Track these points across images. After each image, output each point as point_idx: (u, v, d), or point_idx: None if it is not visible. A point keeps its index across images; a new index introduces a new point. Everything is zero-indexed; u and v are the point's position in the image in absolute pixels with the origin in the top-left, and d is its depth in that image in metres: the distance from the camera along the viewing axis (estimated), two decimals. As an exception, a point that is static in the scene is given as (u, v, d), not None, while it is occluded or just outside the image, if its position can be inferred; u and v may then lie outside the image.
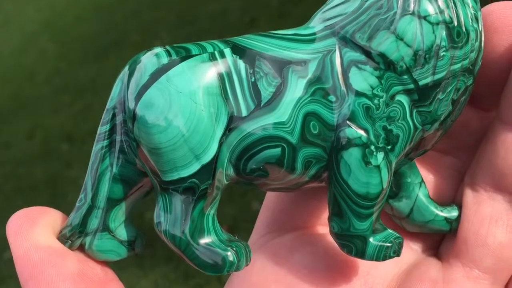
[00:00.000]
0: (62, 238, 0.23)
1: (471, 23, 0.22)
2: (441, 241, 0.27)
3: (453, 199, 0.27)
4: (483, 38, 0.22)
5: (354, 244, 0.23)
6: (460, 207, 0.26)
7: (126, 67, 0.22)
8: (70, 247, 0.23)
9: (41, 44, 2.78)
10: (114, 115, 0.22)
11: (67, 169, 1.71)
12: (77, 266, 0.22)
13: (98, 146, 0.23)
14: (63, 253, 0.22)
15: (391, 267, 0.25)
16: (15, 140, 2.04)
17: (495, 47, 0.23)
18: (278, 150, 0.22)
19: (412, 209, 0.26)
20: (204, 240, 0.22)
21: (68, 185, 1.62)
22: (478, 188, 0.25)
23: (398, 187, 0.26)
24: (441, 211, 0.26)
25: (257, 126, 0.21)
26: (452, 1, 0.21)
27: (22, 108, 2.25)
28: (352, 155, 0.22)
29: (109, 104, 0.22)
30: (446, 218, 0.25)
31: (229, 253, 0.22)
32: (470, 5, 0.22)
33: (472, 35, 0.22)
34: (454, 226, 0.25)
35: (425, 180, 0.26)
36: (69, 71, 2.35)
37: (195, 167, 0.21)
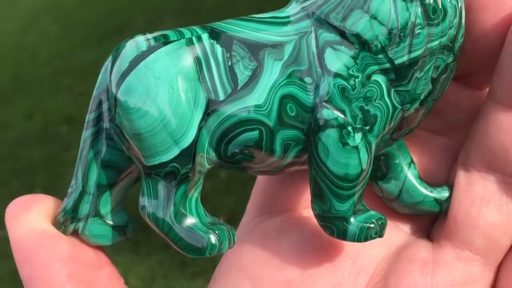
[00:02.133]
0: (57, 223, 0.24)
1: (449, 0, 0.21)
2: (433, 223, 0.26)
3: (446, 179, 0.26)
4: (463, 15, 0.22)
5: (335, 226, 0.23)
6: (452, 188, 0.25)
7: (110, 55, 0.22)
8: (64, 232, 0.24)
9: (43, 25, 2.76)
10: (100, 103, 0.23)
11: (66, 151, 1.70)
12: (70, 249, 0.23)
13: (86, 133, 0.23)
14: (56, 237, 0.23)
15: (380, 248, 0.26)
16: (14, 121, 2.03)
17: (484, 24, 0.22)
18: (256, 133, 0.22)
19: (401, 190, 0.26)
20: (187, 223, 0.22)
21: (66, 167, 1.62)
22: (470, 169, 0.24)
23: (386, 168, 0.26)
24: (431, 192, 0.26)
25: (234, 109, 0.21)
26: None
27: (22, 89, 2.23)
28: (329, 137, 0.22)
29: (95, 92, 0.23)
30: (436, 199, 0.25)
31: (211, 235, 0.22)
32: None
33: (450, 11, 0.21)
34: (444, 207, 0.25)
35: (417, 161, 0.26)
36: (71, 53, 2.34)
37: (174, 152, 0.21)
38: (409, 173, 0.26)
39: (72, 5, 2.83)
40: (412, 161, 0.26)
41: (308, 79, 0.22)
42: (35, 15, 2.91)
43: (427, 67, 0.22)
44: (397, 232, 0.26)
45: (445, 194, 0.25)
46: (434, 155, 0.27)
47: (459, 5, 0.22)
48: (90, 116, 0.23)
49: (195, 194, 0.23)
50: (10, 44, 2.74)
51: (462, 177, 0.25)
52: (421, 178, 0.26)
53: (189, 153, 0.21)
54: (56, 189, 1.57)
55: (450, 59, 0.22)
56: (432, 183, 0.26)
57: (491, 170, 0.24)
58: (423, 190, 0.25)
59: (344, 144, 0.22)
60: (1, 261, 1.30)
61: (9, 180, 1.69)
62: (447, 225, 0.25)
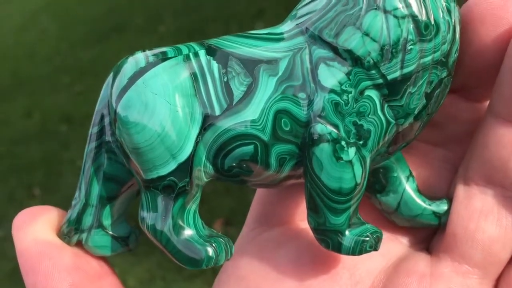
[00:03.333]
0: (61, 234, 0.24)
1: (441, 15, 0.22)
2: (433, 235, 0.26)
3: (446, 192, 0.26)
4: (457, 30, 0.22)
5: (330, 239, 0.23)
6: (451, 201, 0.25)
7: (112, 71, 0.23)
8: (68, 243, 0.24)
9: (42, 23, 2.76)
10: (102, 117, 0.23)
11: (64, 150, 1.70)
12: (73, 259, 0.24)
13: (89, 147, 0.24)
14: (60, 247, 0.24)
15: (378, 261, 0.25)
16: (13, 119, 2.03)
17: (482, 38, 0.22)
18: (251, 148, 0.22)
19: (400, 203, 0.26)
20: (184, 236, 0.23)
21: (64, 166, 1.62)
22: (469, 182, 0.24)
23: (385, 181, 0.26)
24: (429, 205, 0.26)
25: (230, 124, 0.22)
26: None
27: (20, 86, 2.23)
28: (323, 151, 0.22)
29: (98, 106, 0.24)
30: (434, 212, 0.25)
31: (208, 248, 0.22)
32: None
33: (443, 27, 0.22)
34: (443, 220, 0.25)
35: (417, 173, 0.26)
36: (70, 51, 2.33)
37: (172, 166, 0.22)
38: (408, 186, 0.26)
39: (71, 3, 2.83)
40: (411, 174, 0.26)
41: (302, 95, 0.22)
42: (34, 12, 2.90)
43: (420, 82, 0.22)
44: (396, 245, 0.26)
45: (443, 207, 0.25)
46: (433, 168, 0.27)
47: (453, 20, 0.22)
48: (92, 130, 0.24)
49: (193, 207, 0.23)
50: (9, 42, 2.74)
51: (461, 191, 0.25)
52: (420, 191, 0.26)
53: (186, 167, 0.22)
54: (54, 188, 1.57)
55: (444, 74, 0.22)
56: (431, 196, 0.26)
57: (491, 184, 0.24)
58: (422, 203, 0.26)
59: (338, 158, 0.22)
60: (-1, 261, 1.30)
61: (7, 178, 1.69)
62: (446, 238, 0.25)
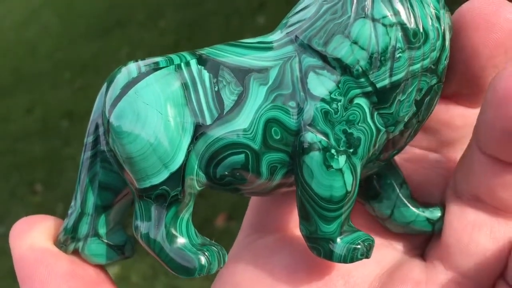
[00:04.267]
0: (58, 243, 0.25)
1: (430, 23, 0.22)
2: (427, 241, 0.26)
3: (440, 197, 0.26)
4: (447, 37, 0.22)
5: (322, 247, 0.23)
6: (445, 207, 0.25)
7: (106, 81, 0.23)
8: (65, 251, 0.25)
9: (43, 18, 2.76)
10: (97, 126, 0.24)
11: (66, 146, 1.70)
12: (69, 266, 0.24)
13: (84, 156, 0.24)
14: (56, 255, 0.24)
15: (373, 267, 0.25)
16: (14, 115, 2.03)
17: (475, 44, 0.22)
18: (242, 157, 0.22)
19: (393, 210, 0.26)
20: (177, 244, 0.23)
21: (66, 162, 1.62)
22: (461, 196, 0.24)
23: (378, 188, 0.26)
24: (423, 211, 0.25)
25: (220, 133, 0.22)
26: (408, 1, 0.22)
27: (22, 82, 2.23)
28: (313, 159, 0.22)
29: (92, 116, 0.24)
30: (428, 219, 0.25)
31: (200, 256, 0.22)
32: (431, 5, 0.22)
33: (432, 34, 0.22)
34: (437, 227, 0.25)
35: (411, 179, 0.26)
36: (71, 47, 2.33)
37: (164, 175, 0.22)
38: (401, 193, 0.26)
39: (72, -1, 2.83)
40: (404, 181, 0.26)
41: (292, 103, 0.22)
42: (35, 9, 2.90)
43: (410, 89, 0.22)
44: (390, 251, 0.26)
45: (437, 213, 0.25)
46: (426, 173, 0.26)
47: (442, 28, 0.22)
48: (88, 140, 0.24)
49: (186, 215, 0.23)
50: (10, 38, 2.74)
51: (453, 202, 0.25)
52: (413, 198, 0.26)
53: (178, 176, 0.22)
54: (55, 184, 1.57)
55: (434, 81, 0.22)
56: (425, 202, 0.26)
57: (480, 202, 0.24)
58: (415, 209, 0.26)
59: (328, 166, 0.22)
60: (0, 258, 1.30)
61: (9, 175, 1.69)
62: (440, 248, 0.24)
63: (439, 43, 0.22)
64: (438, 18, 0.22)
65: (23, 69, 2.34)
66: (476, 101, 0.24)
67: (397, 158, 0.26)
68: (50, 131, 1.83)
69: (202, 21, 1.99)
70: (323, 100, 0.22)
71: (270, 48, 0.23)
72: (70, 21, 2.59)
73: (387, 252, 0.26)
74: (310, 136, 0.22)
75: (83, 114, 1.77)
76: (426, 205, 0.26)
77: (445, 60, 0.22)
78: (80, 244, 0.24)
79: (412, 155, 0.26)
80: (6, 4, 3.16)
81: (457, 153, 0.26)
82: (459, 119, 0.25)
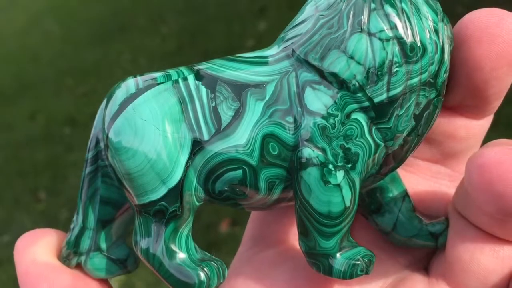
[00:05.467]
0: (61, 257, 0.25)
1: (428, 36, 0.21)
2: (431, 254, 0.26)
3: (444, 208, 0.26)
4: (446, 50, 0.22)
5: (321, 263, 0.23)
6: (448, 220, 0.25)
7: (106, 97, 0.23)
8: (68, 265, 0.25)
9: (45, 25, 2.76)
10: (97, 141, 0.24)
11: (69, 153, 1.70)
12: (72, 281, 0.24)
13: (85, 171, 0.24)
14: (58, 269, 0.24)
15: (375, 282, 0.25)
16: (17, 122, 2.03)
17: (478, 56, 0.22)
18: (239, 172, 0.22)
19: (396, 224, 0.25)
20: (176, 260, 0.23)
21: (69, 169, 1.62)
22: (462, 214, 0.24)
23: (380, 202, 0.26)
24: (426, 225, 0.25)
25: (218, 149, 0.22)
26: (405, 15, 0.21)
27: (25, 90, 2.24)
28: (311, 175, 0.22)
29: (93, 131, 0.24)
30: (431, 233, 0.25)
31: (199, 272, 0.22)
32: (429, 18, 0.22)
33: (430, 48, 0.21)
34: (441, 241, 0.25)
35: (415, 191, 0.26)
36: (74, 54, 2.34)
37: (162, 191, 0.22)
38: (403, 207, 0.25)
39: (74, 5, 2.84)
40: (406, 194, 0.26)
41: (289, 118, 0.22)
42: (37, 15, 2.91)
43: (408, 104, 0.22)
44: (393, 265, 0.26)
45: (440, 228, 0.25)
46: (430, 184, 0.26)
47: (441, 41, 0.22)
48: (88, 155, 0.24)
49: (185, 231, 0.23)
50: (12, 45, 2.74)
51: (455, 218, 0.24)
52: (416, 211, 0.26)
53: (176, 192, 0.22)
54: (59, 190, 1.57)
55: (433, 95, 0.22)
56: (429, 214, 0.26)
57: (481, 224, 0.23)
58: (418, 223, 0.25)
59: (326, 182, 0.22)
60: (2, 266, 1.30)
61: (13, 182, 1.69)
62: (444, 264, 0.24)
63: (437, 56, 0.22)
64: (436, 31, 0.22)
65: (26, 76, 2.35)
66: (480, 113, 0.24)
67: (400, 170, 0.25)
68: (53, 138, 1.83)
69: (203, 26, 2.00)
70: (320, 115, 0.22)
71: (267, 63, 0.23)
72: (72, 28, 2.60)
73: (389, 266, 0.26)
74: (308, 152, 0.22)
75: (86, 120, 1.77)
76: (430, 217, 0.26)
77: (444, 73, 0.22)
78: (83, 258, 0.25)
79: (415, 167, 0.26)
80: (8, 11, 3.17)
81: (460, 165, 0.25)
82: (462, 130, 0.25)
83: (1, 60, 2.64)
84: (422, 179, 0.26)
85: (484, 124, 0.25)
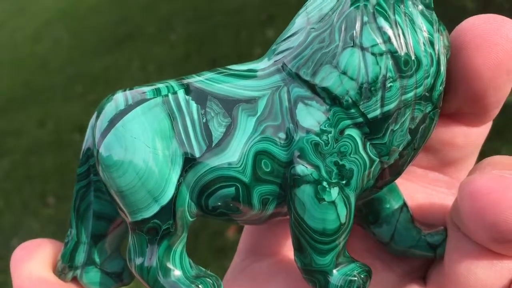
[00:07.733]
0: (57, 271, 0.25)
1: (423, 49, 0.21)
2: (428, 263, 0.26)
3: (442, 216, 0.26)
4: (442, 61, 0.21)
5: (317, 279, 0.23)
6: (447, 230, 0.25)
7: (95, 112, 0.23)
8: (64, 279, 0.25)
9: (55, 33, 2.78)
10: (88, 156, 0.24)
11: (77, 159, 1.70)
12: None
13: (77, 186, 0.24)
14: (53, 284, 0.24)
15: None
16: (26, 128, 2.04)
17: (476, 64, 0.21)
18: (232, 190, 0.22)
19: (393, 234, 0.25)
20: (171, 277, 0.22)
21: (78, 175, 1.62)
22: (459, 228, 0.23)
23: (378, 212, 0.25)
24: (424, 236, 0.25)
25: (209, 166, 0.22)
26: (399, 28, 0.21)
27: (34, 96, 2.25)
28: (305, 192, 0.21)
29: (84, 146, 0.24)
30: (429, 243, 0.25)
31: None
32: (424, 29, 0.21)
33: (425, 61, 0.21)
34: (439, 251, 0.25)
35: (413, 199, 0.26)
36: (83, 61, 2.35)
37: (155, 209, 0.22)
38: (401, 217, 0.25)
39: (83, 13, 2.85)
40: (404, 204, 0.25)
41: (281, 135, 0.22)
42: (47, 23, 2.93)
43: (403, 119, 0.21)
44: (389, 275, 0.26)
45: (439, 238, 0.25)
46: (428, 192, 0.26)
47: (436, 53, 0.21)
48: (79, 170, 0.24)
49: (179, 247, 0.23)
50: (22, 52, 2.76)
51: (452, 230, 0.24)
52: (414, 222, 0.25)
53: (169, 210, 0.22)
54: (67, 196, 1.57)
55: (429, 109, 0.22)
56: (428, 223, 0.25)
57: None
58: (416, 234, 0.25)
59: (320, 199, 0.21)
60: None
61: (22, 188, 1.70)
62: (441, 276, 0.24)
63: (433, 69, 0.21)
64: (431, 43, 0.21)
65: (35, 83, 2.36)
66: (478, 120, 0.24)
67: (398, 178, 0.25)
68: (62, 144, 1.84)
69: (211, 34, 2.00)
70: (312, 131, 0.21)
71: (259, 77, 0.22)
72: (81, 35, 2.61)
73: (386, 276, 0.26)
74: (301, 169, 0.21)
75: (95, 127, 1.78)
76: (428, 226, 0.25)
77: (440, 86, 0.22)
78: (78, 272, 0.24)
79: (413, 174, 0.26)
80: (18, 18, 3.20)
81: (459, 173, 0.25)
82: (460, 138, 0.25)
83: (11, 66, 2.66)
84: (419, 186, 0.26)
85: (482, 131, 0.25)
